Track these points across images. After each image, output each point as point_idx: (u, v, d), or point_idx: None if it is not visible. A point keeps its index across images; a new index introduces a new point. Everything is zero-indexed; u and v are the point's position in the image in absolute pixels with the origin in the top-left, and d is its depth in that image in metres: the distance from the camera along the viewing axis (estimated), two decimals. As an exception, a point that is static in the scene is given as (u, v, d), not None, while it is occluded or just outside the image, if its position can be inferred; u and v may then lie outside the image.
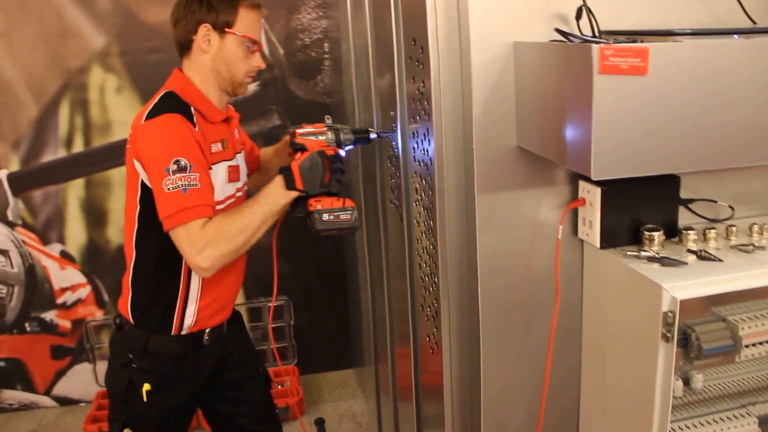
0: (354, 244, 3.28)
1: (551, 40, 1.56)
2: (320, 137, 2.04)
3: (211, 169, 1.91)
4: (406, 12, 1.90)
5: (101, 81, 3.57)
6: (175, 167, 1.79)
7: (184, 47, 1.99)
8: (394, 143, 2.11)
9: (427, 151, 1.79)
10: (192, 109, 1.93)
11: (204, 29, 1.93)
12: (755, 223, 1.71)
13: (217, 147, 1.98)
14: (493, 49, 1.64)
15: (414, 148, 1.91)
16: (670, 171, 1.47)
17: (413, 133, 1.89)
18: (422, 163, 1.86)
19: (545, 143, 1.57)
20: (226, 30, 1.94)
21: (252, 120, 3.62)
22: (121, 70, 3.55)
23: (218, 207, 1.93)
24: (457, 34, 1.68)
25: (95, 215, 3.72)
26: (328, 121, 2.06)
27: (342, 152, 2.05)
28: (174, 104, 1.89)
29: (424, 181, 1.86)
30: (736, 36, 1.44)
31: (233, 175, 2.04)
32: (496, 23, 1.62)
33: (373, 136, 2.14)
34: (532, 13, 1.63)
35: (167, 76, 2.02)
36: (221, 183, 1.97)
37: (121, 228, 3.59)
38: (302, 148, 2.03)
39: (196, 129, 1.87)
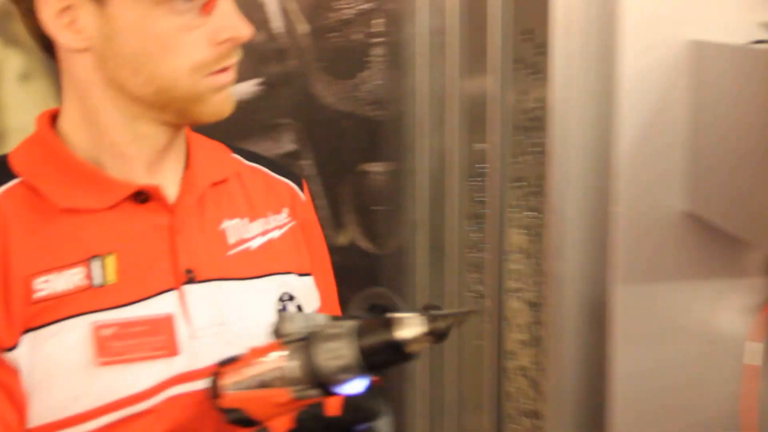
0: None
1: (756, 41, 1.37)
2: None
3: (16, 346, 0.94)
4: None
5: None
6: None
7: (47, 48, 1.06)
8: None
9: (539, 212, 1.57)
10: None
11: (55, 4, 0.96)
12: None
13: (69, 279, 0.98)
14: (656, 52, 1.41)
15: (516, 207, 1.69)
16: None
17: (517, 181, 1.68)
18: (529, 232, 1.64)
19: (738, 210, 1.37)
20: None
21: (247, 141, 2.52)
22: (28, 41, 2.63)
23: None
24: (600, 26, 1.46)
25: None
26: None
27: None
28: None
29: (529, 261, 1.64)
30: None
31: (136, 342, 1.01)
32: (662, 10, 1.41)
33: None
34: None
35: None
36: (73, 370, 0.95)
37: None
38: None
39: None
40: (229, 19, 0.98)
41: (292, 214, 1.13)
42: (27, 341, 0.91)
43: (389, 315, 0.86)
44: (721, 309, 1.51)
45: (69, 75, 1.01)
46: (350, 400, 0.85)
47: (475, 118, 1.88)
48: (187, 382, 0.98)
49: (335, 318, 0.91)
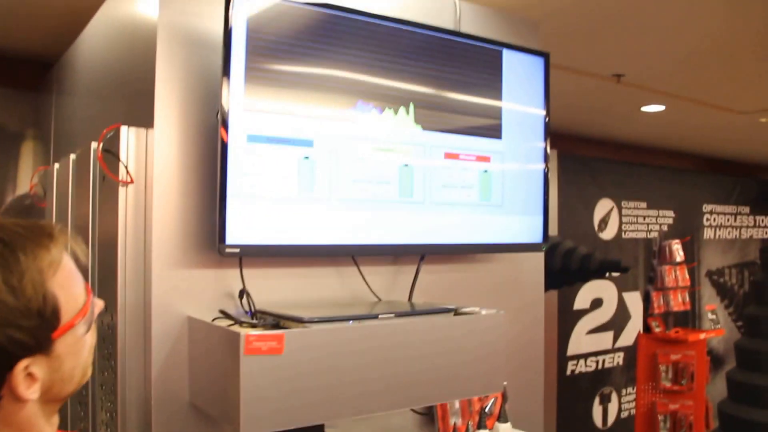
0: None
1: (216, 317, 2.11)
2: None
3: None
4: (100, 276, 2.31)
5: None
6: None
7: None
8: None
9: (112, 403, 2.19)
10: None
11: (22, 372, 0.97)
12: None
13: None
14: (172, 320, 2.17)
15: (104, 393, 2.27)
16: (309, 424, 2.06)
17: (102, 386, 2.28)
18: (108, 413, 2.23)
19: (211, 403, 2.06)
20: (57, 332, 1.00)
21: None
22: None
23: None
24: (143, 306, 2.18)
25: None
26: None
27: None
28: None
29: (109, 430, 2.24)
30: (351, 322, 2.11)
31: None
32: (175, 297, 2.16)
33: None
34: (205, 290, 2.20)
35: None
36: None
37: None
38: None
39: None
40: (97, 304, 1.09)
41: None
42: None
43: None
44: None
45: (11, 419, 0.97)
46: None
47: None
48: None
49: None
